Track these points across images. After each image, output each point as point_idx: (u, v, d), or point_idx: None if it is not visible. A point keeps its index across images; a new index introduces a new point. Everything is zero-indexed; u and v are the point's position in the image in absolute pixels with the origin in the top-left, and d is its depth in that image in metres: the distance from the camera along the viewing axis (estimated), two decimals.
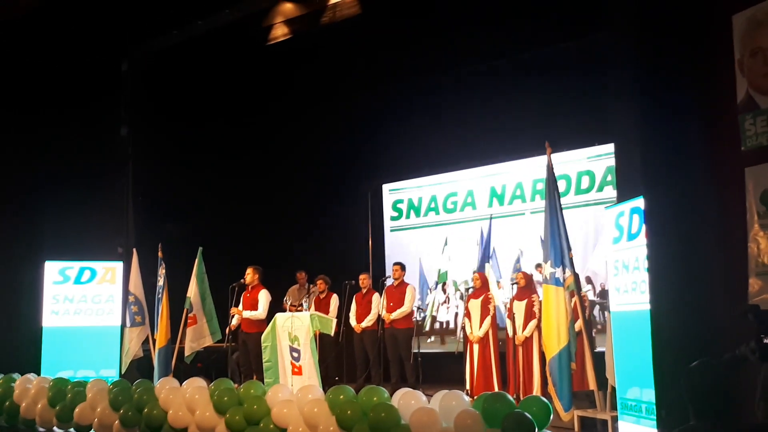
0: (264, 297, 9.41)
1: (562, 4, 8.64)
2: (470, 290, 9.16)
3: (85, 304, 9.76)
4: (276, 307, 9.34)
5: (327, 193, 12.18)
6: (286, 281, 10.52)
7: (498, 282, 10.05)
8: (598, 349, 7.81)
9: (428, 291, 11.87)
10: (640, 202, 5.35)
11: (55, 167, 10.14)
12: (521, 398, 6.99)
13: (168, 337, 9.16)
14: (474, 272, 9.44)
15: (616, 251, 5.89)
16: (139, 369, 9.65)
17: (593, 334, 8.66)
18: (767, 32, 4.08)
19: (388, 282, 9.70)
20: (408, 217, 12.39)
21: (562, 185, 10.32)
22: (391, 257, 12.06)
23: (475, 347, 8.70)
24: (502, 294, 10.02)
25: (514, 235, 10.94)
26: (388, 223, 12.53)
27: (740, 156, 4.15)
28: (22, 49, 9.88)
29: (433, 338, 11.70)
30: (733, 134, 4.19)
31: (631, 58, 5.55)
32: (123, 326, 9.68)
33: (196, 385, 6.17)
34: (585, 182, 10.42)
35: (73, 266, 9.76)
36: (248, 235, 11.62)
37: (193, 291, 9.24)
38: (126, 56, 10.89)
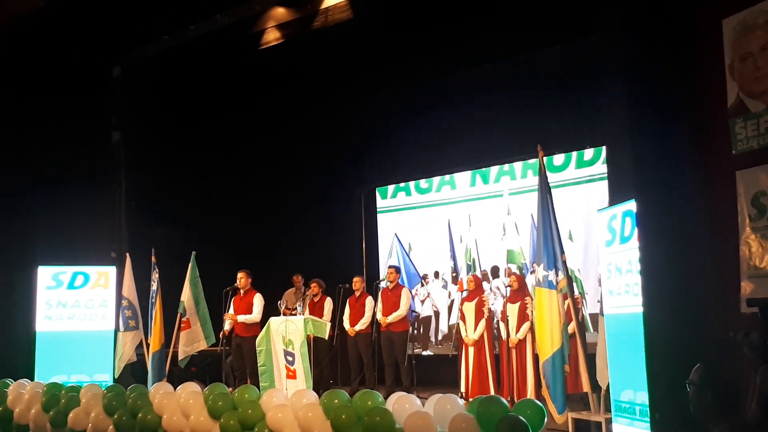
0: (259, 301, 9.45)
1: (553, 8, 8.66)
2: (466, 293, 9.17)
3: (78, 308, 9.75)
4: (270, 310, 9.35)
5: (320, 196, 12.19)
6: (279, 285, 10.53)
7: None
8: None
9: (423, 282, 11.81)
10: (632, 205, 5.38)
11: (48, 172, 10.13)
12: (515, 401, 7.01)
13: (162, 341, 9.16)
14: (469, 274, 9.49)
15: (608, 254, 5.92)
16: (133, 373, 9.64)
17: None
18: (757, 36, 4.10)
19: (383, 285, 9.72)
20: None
21: (560, 158, 10.38)
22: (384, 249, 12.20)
23: (470, 350, 8.72)
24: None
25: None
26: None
27: (731, 160, 4.17)
28: (13, 54, 9.86)
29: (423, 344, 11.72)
30: (724, 138, 4.21)
31: (621, 61, 5.58)
32: (116, 331, 9.67)
33: (190, 389, 6.18)
34: (588, 153, 10.20)
35: (66, 271, 9.76)
36: (241, 239, 11.61)
37: (186, 295, 9.25)
38: (118, 61, 10.88)
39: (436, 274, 11.72)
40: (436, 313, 11.58)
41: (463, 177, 11.61)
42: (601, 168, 9.83)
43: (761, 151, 4.02)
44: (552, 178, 9.32)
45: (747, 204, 4.05)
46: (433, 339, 11.52)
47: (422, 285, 11.70)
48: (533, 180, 9.74)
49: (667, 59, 4.70)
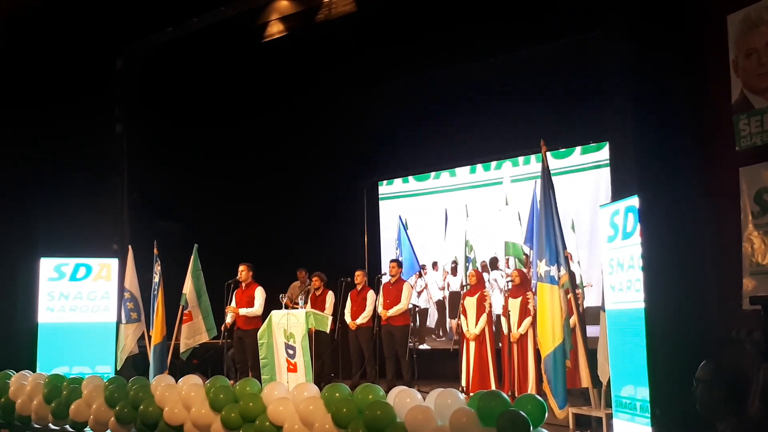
0: (260, 294, 9.47)
1: (557, 2, 8.64)
2: (467, 287, 9.17)
3: (80, 300, 9.74)
4: (272, 303, 9.36)
5: (323, 190, 12.19)
6: (281, 278, 10.53)
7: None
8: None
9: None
10: (634, 201, 5.37)
11: (50, 164, 10.11)
12: (516, 396, 7.03)
13: (164, 333, 9.16)
14: (470, 269, 9.48)
15: (611, 250, 5.92)
16: (135, 365, 9.65)
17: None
18: (762, 33, 4.09)
19: (384, 279, 9.73)
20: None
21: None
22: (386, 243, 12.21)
23: (472, 344, 8.73)
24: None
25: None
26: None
27: (734, 156, 4.16)
28: (16, 46, 9.85)
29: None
30: (728, 134, 4.20)
31: (625, 57, 5.56)
32: (118, 323, 9.68)
33: (191, 382, 6.18)
34: None
35: (69, 263, 9.75)
36: (243, 232, 11.62)
37: (188, 288, 9.25)
38: (121, 54, 10.85)
39: (434, 265, 11.73)
40: (437, 304, 11.60)
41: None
42: (606, 154, 9.66)
43: (764, 147, 4.02)
44: (556, 164, 9.32)
45: (750, 201, 4.04)
46: (438, 332, 11.54)
47: (420, 276, 11.70)
48: (536, 167, 9.70)
49: (671, 55, 4.69)
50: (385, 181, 12.47)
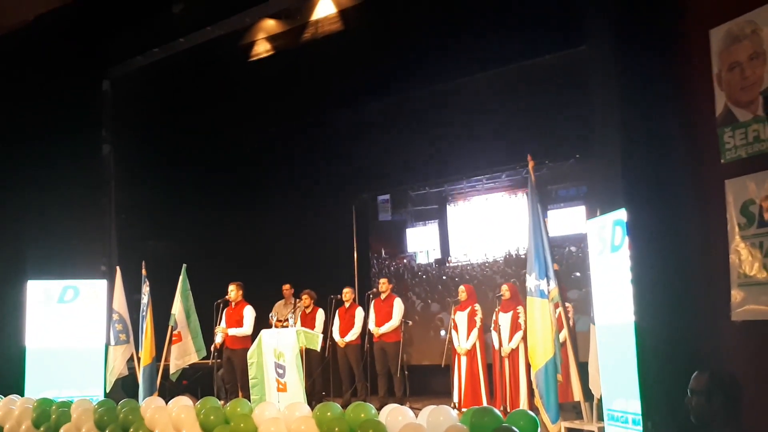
0: (249, 313, 9.43)
1: (542, 18, 8.70)
2: (457, 302, 9.16)
3: (68, 323, 9.65)
4: (261, 322, 9.33)
5: (312, 207, 12.19)
6: (272, 297, 10.50)
7: None
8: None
9: None
10: (621, 214, 5.40)
11: (37, 186, 10.06)
12: (508, 411, 7.02)
13: (153, 354, 9.12)
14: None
15: (598, 263, 5.93)
16: (124, 387, 9.58)
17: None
18: (744, 47, 4.13)
19: (376, 296, 9.70)
20: None
21: None
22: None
23: (463, 359, 8.72)
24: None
25: None
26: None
27: (720, 168, 4.19)
28: (2, 68, 9.83)
29: None
30: (713, 147, 4.23)
31: (610, 71, 5.60)
32: (107, 345, 9.61)
33: (182, 403, 6.13)
34: None
35: (56, 285, 9.67)
36: (233, 251, 11.58)
37: (177, 308, 9.22)
38: (107, 75, 10.84)
39: None
40: None
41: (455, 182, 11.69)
42: None
43: (749, 159, 4.04)
44: None
45: (736, 212, 4.07)
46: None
47: None
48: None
49: (655, 69, 4.73)
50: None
